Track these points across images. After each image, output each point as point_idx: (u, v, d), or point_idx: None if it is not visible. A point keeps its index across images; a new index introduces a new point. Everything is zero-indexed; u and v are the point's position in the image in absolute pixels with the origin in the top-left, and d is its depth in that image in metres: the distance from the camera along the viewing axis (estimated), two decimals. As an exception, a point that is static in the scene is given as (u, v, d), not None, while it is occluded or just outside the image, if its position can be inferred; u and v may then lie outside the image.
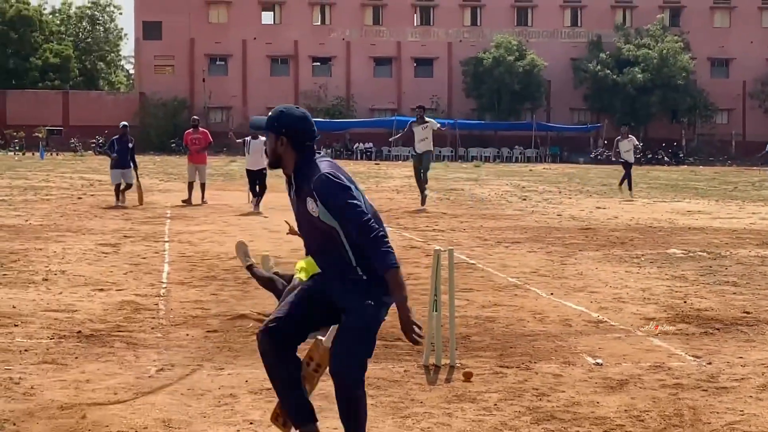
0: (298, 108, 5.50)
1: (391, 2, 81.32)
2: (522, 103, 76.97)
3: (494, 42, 77.68)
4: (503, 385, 7.15)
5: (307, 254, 5.69)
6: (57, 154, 63.18)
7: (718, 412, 6.51)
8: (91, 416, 6.20)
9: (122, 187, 23.22)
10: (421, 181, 23.24)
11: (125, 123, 24.56)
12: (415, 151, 23.57)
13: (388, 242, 5.15)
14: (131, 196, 23.46)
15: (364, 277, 5.28)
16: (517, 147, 73.50)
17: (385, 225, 5.29)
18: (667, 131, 77.78)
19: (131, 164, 23.46)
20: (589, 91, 78.98)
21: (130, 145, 23.65)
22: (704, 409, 6.58)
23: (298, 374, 5.54)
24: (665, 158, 71.24)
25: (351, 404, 5.35)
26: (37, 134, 69.26)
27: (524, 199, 27.15)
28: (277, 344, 5.38)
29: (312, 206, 5.22)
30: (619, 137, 30.51)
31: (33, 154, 63.20)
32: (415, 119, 23.99)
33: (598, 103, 78.57)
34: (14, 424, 6.02)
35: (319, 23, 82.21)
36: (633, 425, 6.24)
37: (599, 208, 24.31)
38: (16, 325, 8.86)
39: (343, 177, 5.26)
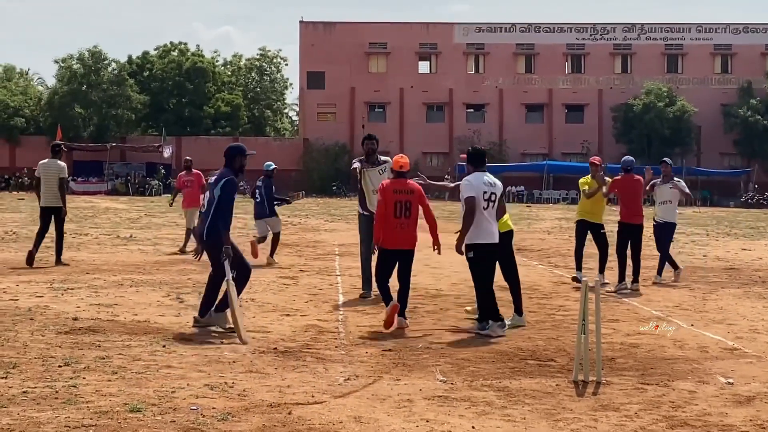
0: None
1: (543, 51, 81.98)
2: (672, 148, 76.34)
3: (644, 89, 77.48)
4: (643, 398, 8.00)
5: None
6: (228, 197, 65.68)
7: (833, 423, 7.25)
8: (295, 412, 7.31)
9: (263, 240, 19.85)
10: (369, 271, 13.84)
11: (270, 163, 20.75)
12: (368, 210, 13.88)
13: None
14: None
15: None
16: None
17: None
18: (818, 176, 76.11)
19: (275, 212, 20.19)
20: (739, 136, 77.85)
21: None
22: (822, 420, 7.33)
23: None
24: (818, 202, 69.70)
25: None
26: (209, 178, 71.96)
27: (671, 241, 27.50)
28: None
29: None
30: None
31: (205, 196, 65.86)
32: (363, 159, 14.36)
33: (749, 148, 77.40)
34: (235, 417, 7.17)
35: (473, 72, 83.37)
36: (756, 431, 7.03)
37: (745, 249, 24.59)
38: (222, 342, 10.11)
39: None
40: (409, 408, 7.55)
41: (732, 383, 8.56)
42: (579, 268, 16.07)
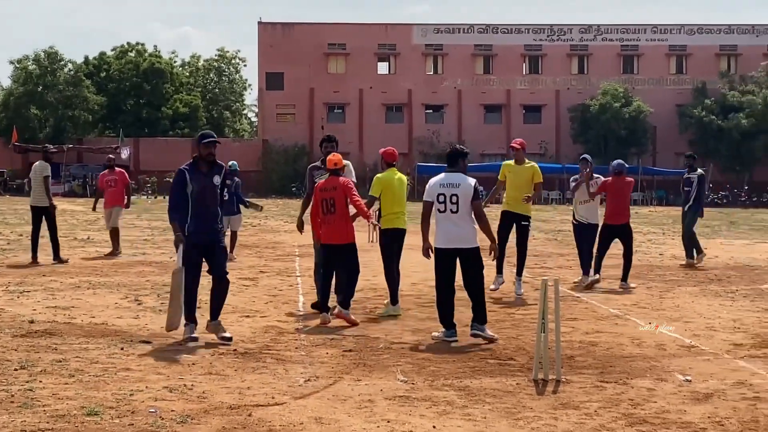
0: None
1: (500, 52, 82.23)
2: (628, 148, 76.80)
3: (601, 89, 77.95)
4: (603, 396, 8.01)
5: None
6: (186, 198, 65.32)
7: (790, 420, 7.30)
8: (255, 414, 7.26)
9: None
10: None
11: (234, 162, 20.00)
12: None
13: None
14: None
15: None
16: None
17: None
18: (772, 174, 76.97)
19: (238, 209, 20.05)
20: (694, 136, 78.42)
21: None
22: (778, 417, 7.38)
23: None
24: (770, 201, 70.57)
25: None
26: (168, 179, 71.60)
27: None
28: None
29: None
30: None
31: (164, 197, 65.57)
32: (318, 163, 13.01)
33: (703, 148, 77.82)
34: (194, 419, 7.10)
35: (431, 73, 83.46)
36: (714, 428, 7.06)
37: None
38: (180, 344, 10.02)
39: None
40: (370, 408, 7.51)
41: (690, 381, 8.60)
42: (500, 271, 14.74)
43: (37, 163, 19.35)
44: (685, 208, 20.29)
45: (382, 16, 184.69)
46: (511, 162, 15.05)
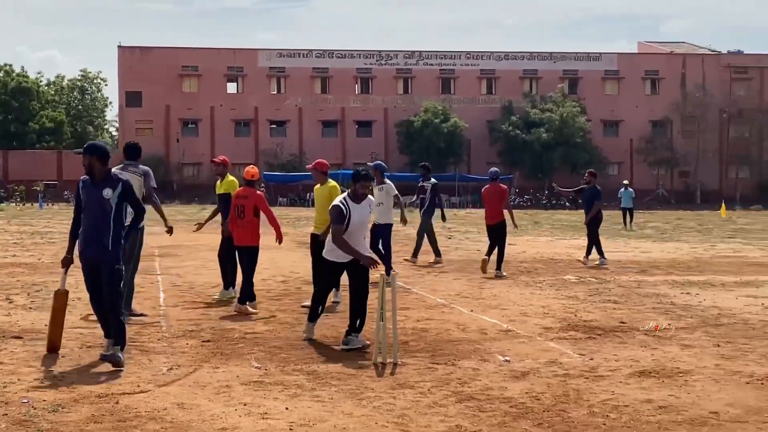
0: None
1: (336, 74, 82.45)
2: (447, 158, 78.23)
3: (423, 107, 79.20)
4: (434, 376, 8.00)
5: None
6: (53, 205, 63.16)
7: (595, 393, 7.42)
8: (122, 402, 6.94)
9: None
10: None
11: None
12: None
13: None
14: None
15: None
16: (443, 195, 74.32)
17: None
18: (568, 181, 79.02)
19: None
20: (502, 147, 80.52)
21: None
22: (585, 390, 7.49)
23: None
24: (566, 204, 72.73)
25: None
26: (35, 188, 69.16)
27: (450, 238, 28.08)
28: None
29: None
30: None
31: (32, 204, 63.15)
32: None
33: (510, 158, 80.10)
34: (65, 408, 6.74)
35: (275, 92, 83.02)
36: (532, 402, 7.12)
37: (510, 244, 25.11)
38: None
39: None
40: (228, 393, 7.29)
41: (509, 361, 8.67)
42: (337, 286, 11.87)
43: None
44: (421, 212, 20.21)
45: (231, 41, 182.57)
46: (318, 185, 12.68)
